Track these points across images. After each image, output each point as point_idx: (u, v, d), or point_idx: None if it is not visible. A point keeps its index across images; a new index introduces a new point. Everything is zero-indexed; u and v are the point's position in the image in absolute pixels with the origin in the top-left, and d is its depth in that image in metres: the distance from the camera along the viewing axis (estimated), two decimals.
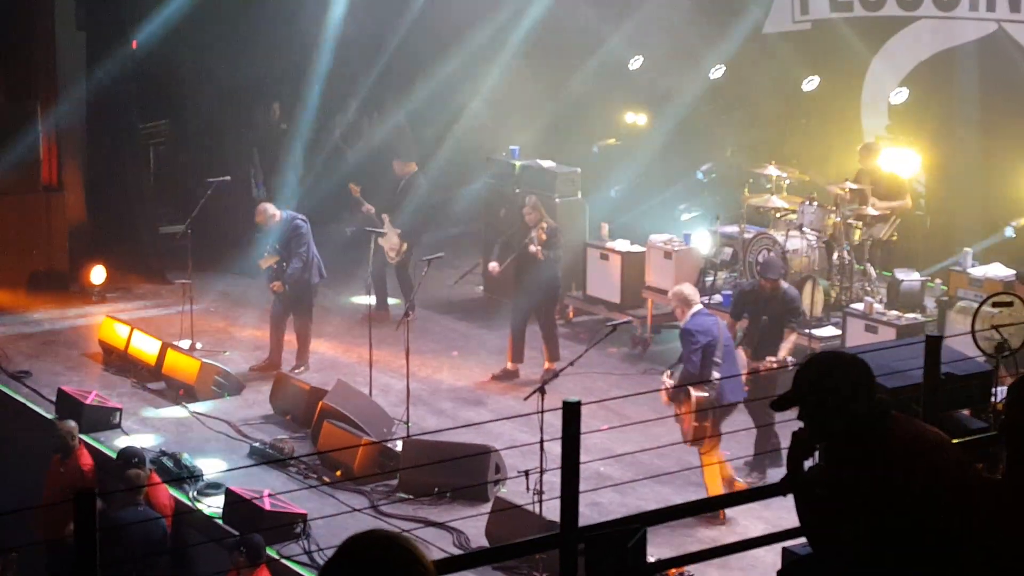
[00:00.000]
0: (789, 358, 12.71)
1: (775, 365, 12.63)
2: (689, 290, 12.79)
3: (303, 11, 19.64)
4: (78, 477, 12.24)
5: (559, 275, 15.55)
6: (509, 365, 15.35)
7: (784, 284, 13.28)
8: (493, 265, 15.54)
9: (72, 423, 12.74)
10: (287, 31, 19.55)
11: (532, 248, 14.97)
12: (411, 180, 17.13)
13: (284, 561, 11.17)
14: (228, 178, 16.95)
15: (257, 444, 13.31)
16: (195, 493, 12.31)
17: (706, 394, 12.24)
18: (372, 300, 15.82)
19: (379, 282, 16.84)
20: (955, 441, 5.32)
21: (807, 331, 14.35)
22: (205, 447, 13.47)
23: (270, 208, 15.44)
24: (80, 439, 12.74)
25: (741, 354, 13.12)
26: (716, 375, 12.22)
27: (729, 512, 11.87)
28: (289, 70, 19.74)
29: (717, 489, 12.08)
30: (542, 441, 10.55)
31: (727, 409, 12.36)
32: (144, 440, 13.39)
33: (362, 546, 3.39)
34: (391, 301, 17.23)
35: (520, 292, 15.44)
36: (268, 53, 19.38)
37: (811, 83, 17.74)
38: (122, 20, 18.43)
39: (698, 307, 12.57)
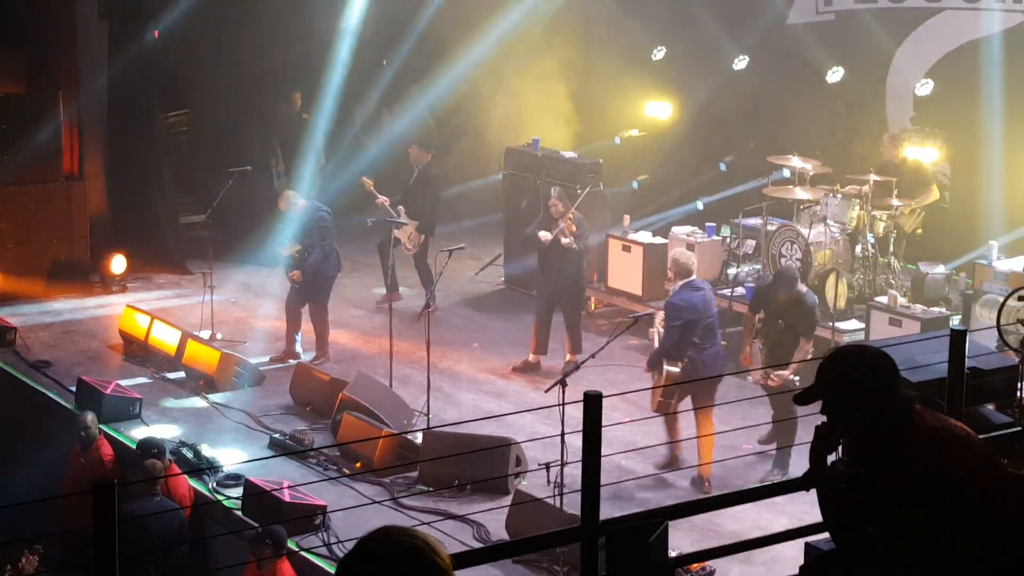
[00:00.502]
0: (794, 377, 12.45)
1: (778, 382, 12.46)
2: (685, 258, 12.78)
3: (325, 0, 19.61)
4: (99, 468, 12.27)
5: (584, 267, 15.50)
6: (531, 357, 15.29)
7: (803, 290, 12.86)
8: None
9: (92, 414, 12.74)
10: (309, 21, 19.53)
11: (564, 240, 14.87)
12: (424, 171, 17.08)
13: (304, 553, 11.14)
14: (249, 168, 16.96)
15: (277, 435, 13.29)
16: (214, 484, 12.30)
17: (677, 369, 12.39)
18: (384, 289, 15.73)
19: (391, 271, 16.80)
20: (980, 436, 5.26)
21: (831, 324, 14.28)
22: (224, 438, 13.46)
23: (293, 195, 15.47)
24: (101, 430, 12.75)
25: (755, 349, 13.04)
26: (690, 353, 12.33)
27: (752, 507, 11.75)
28: (311, 60, 19.71)
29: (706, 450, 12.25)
30: (563, 434, 10.50)
31: (702, 385, 12.28)
32: (164, 431, 13.38)
33: (378, 543, 3.34)
34: (405, 291, 17.20)
35: (545, 284, 15.38)
36: (290, 43, 19.37)
37: (835, 74, 17.65)
38: (144, 9, 18.43)
39: (691, 278, 12.59)
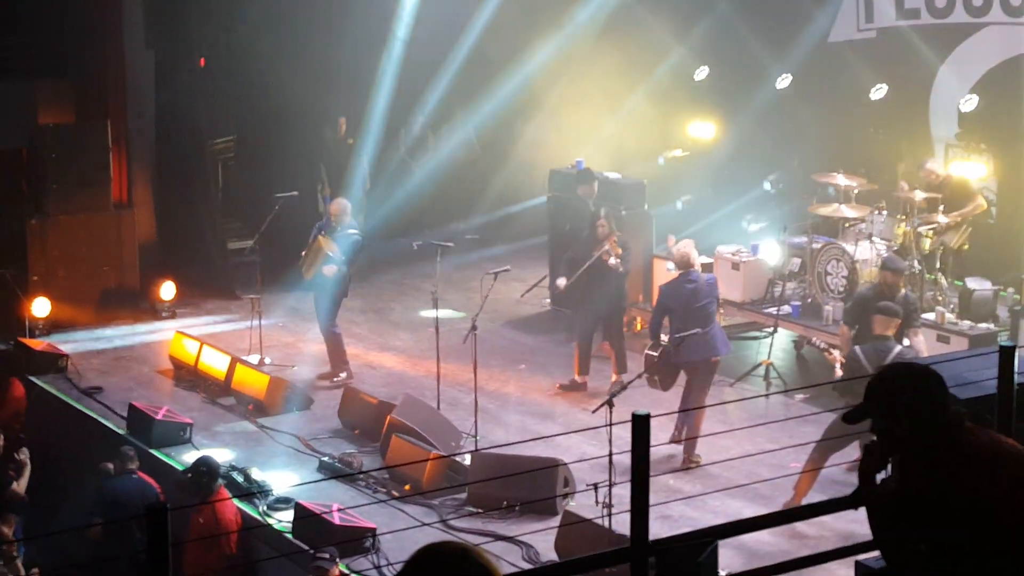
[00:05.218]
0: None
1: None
2: (686, 249, 13.55)
3: (370, 27, 19.72)
4: None
5: (625, 287, 15.49)
6: (577, 378, 15.29)
7: (903, 288, 13.10)
8: (561, 281, 15.38)
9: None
10: (354, 45, 19.64)
11: (612, 261, 14.87)
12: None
13: (354, 575, 11.18)
14: (296, 193, 17.03)
15: (326, 458, 13.34)
16: (265, 507, 12.34)
17: (655, 353, 13.29)
18: (438, 313, 15.63)
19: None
20: None
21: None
22: (274, 461, 13.51)
23: (348, 205, 15.73)
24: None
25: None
26: (664, 339, 13.27)
27: (801, 526, 11.72)
28: (356, 85, 19.82)
29: None
30: (611, 454, 10.50)
31: (686, 368, 13.20)
32: (214, 455, 13.43)
33: (434, 557, 3.39)
34: (452, 312, 17.11)
35: (587, 305, 15.38)
36: (335, 68, 19.48)
37: (879, 91, 17.58)
38: (190, 38, 18.60)
39: (689, 270, 13.40)
